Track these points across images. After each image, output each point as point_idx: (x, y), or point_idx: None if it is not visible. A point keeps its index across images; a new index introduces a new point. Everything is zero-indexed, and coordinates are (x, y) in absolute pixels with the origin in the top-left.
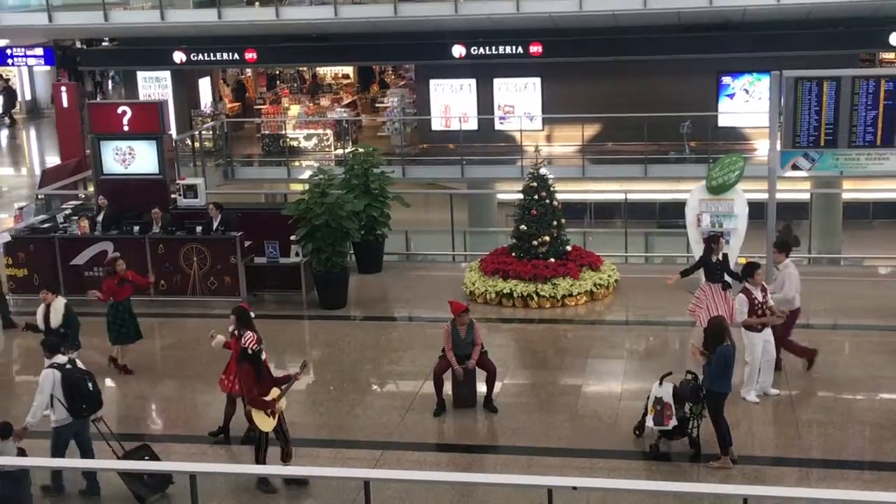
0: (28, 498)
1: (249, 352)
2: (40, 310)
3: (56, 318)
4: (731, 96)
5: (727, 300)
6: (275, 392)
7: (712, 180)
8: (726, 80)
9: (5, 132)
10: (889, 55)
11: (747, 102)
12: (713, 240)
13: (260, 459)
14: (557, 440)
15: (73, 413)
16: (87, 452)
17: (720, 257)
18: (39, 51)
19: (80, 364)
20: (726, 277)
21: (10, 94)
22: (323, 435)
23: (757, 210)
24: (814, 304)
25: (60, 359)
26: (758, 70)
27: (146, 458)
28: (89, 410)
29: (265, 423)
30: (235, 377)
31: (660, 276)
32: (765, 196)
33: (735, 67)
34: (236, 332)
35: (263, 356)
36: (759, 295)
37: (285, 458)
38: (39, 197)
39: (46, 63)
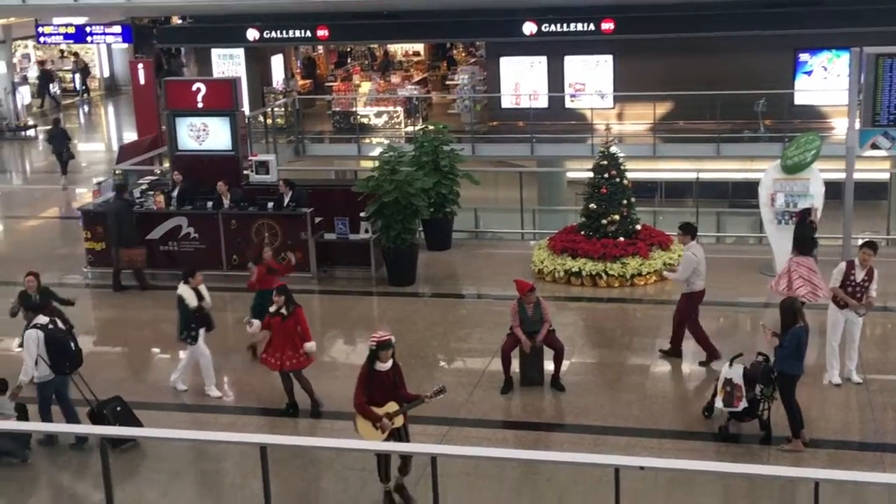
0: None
1: (370, 349)
2: (187, 290)
3: (209, 301)
4: (808, 73)
5: (820, 274)
6: (391, 406)
7: (787, 159)
8: (804, 56)
9: (84, 108)
10: None
11: (825, 80)
12: (807, 212)
13: (382, 475)
14: (625, 420)
15: (55, 370)
16: (65, 404)
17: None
18: (117, 28)
19: (60, 324)
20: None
21: (84, 71)
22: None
23: (833, 190)
24: (892, 286)
25: (42, 319)
26: (837, 46)
27: (118, 408)
28: (72, 367)
29: (368, 433)
30: (283, 354)
31: (731, 256)
32: (842, 176)
33: (813, 44)
34: (283, 310)
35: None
36: (860, 275)
37: (402, 470)
38: (117, 172)
39: (124, 41)
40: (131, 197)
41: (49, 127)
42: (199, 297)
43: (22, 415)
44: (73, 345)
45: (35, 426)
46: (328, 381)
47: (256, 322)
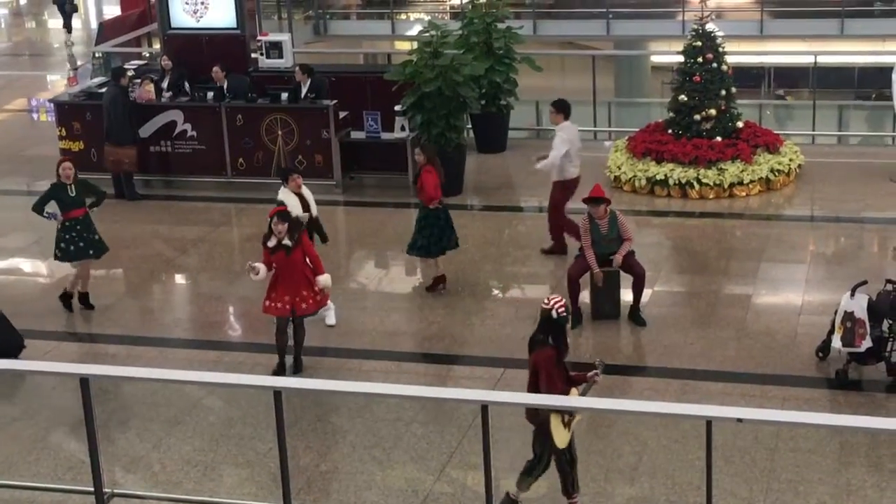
0: None
1: (555, 315)
2: (290, 197)
3: (314, 208)
4: None
5: None
6: (574, 393)
7: None
8: None
9: None
10: None
11: None
12: None
13: (523, 487)
14: (720, 362)
15: None
16: None
17: None
18: None
19: None
20: None
21: None
22: (433, 348)
23: None
24: None
25: None
26: None
27: None
28: None
29: (562, 437)
30: (296, 294)
31: (855, 160)
32: None
33: None
34: (287, 241)
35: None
36: None
37: (569, 492)
38: (96, 55)
39: None
40: (129, 84)
41: None
42: (304, 204)
43: None
44: None
45: None
46: (357, 313)
47: (261, 266)
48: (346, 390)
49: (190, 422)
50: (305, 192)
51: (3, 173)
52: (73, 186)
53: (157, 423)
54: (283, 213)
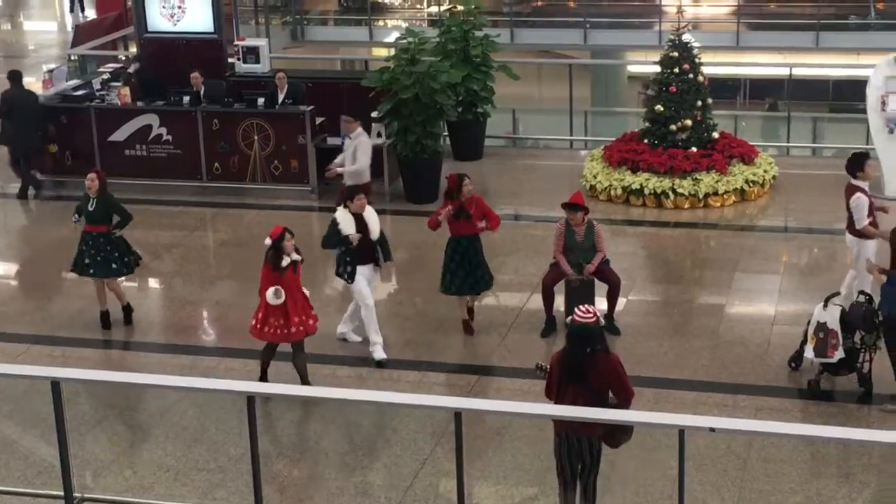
0: None
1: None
2: (346, 215)
3: (375, 230)
4: None
5: None
6: None
7: None
8: None
9: None
10: None
11: None
12: None
13: None
14: (693, 371)
15: None
16: None
17: None
18: None
19: None
20: None
21: None
22: (406, 355)
23: None
24: None
25: None
26: None
27: None
28: None
29: None
30: (306, 314)
31: (829, 172)
32: None
33: None
34: (296, 256)
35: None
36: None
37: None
38: (72, 58)
39: None
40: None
41: None
42: (361, 224)
43: None
44: None
45: None
46: (332, 319)
47: (282, 292)
48: (320, 396)
49: (162, 426)
50: (369, 212)
51: None
52: (94, 200)
53: (129, 427)
54: (288, 230)
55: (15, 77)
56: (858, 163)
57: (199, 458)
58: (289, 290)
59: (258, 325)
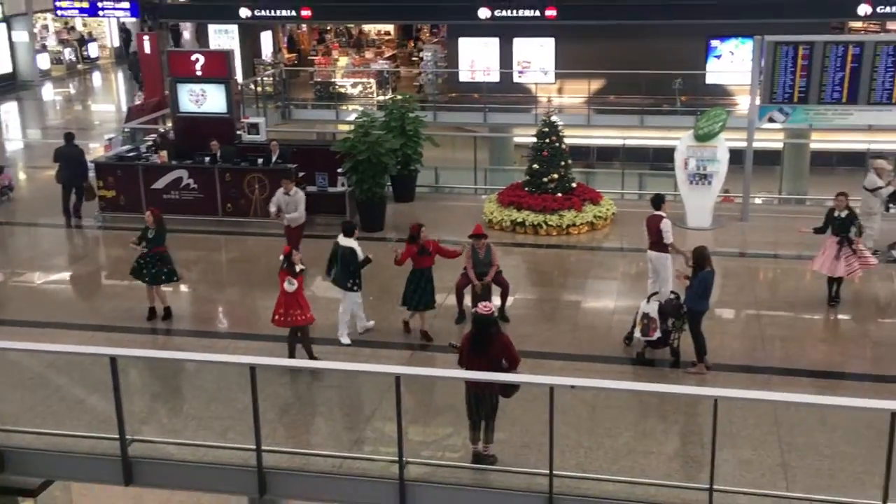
0: None
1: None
2: (353, 243)
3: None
4: (718, 57)
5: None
6: None
7: (699, 129)
8: (714, 43)
9: (97, 74)
10: (857, 24)
11: (732, 63)
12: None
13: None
14: (559, 346)
15: None
16: None
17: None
18: (126, 3)
19: None
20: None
21: (80, 42)
22: (362, 337)
23: (736, 156)
24: (782, 237)
25: None
26: (742, 34)
27: None
28: None
29: None
30: (307, 307)
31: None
32: (744, 144)
33: (722, 32)
34: (301, 265)
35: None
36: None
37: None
38: (125, 130)
39: (132, 15)
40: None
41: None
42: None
43: None
44: None
45: None
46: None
47: (295, 283)
48: (300, 366)
49: (188, 388)
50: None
51: (55, 212)
52: (151, 230)
53: (165, 389)
54: (294, 248)
55: (68, 137)
56: (661, 199)
57: (215, 411)
58: (298, 290)
59: (281, 318)
